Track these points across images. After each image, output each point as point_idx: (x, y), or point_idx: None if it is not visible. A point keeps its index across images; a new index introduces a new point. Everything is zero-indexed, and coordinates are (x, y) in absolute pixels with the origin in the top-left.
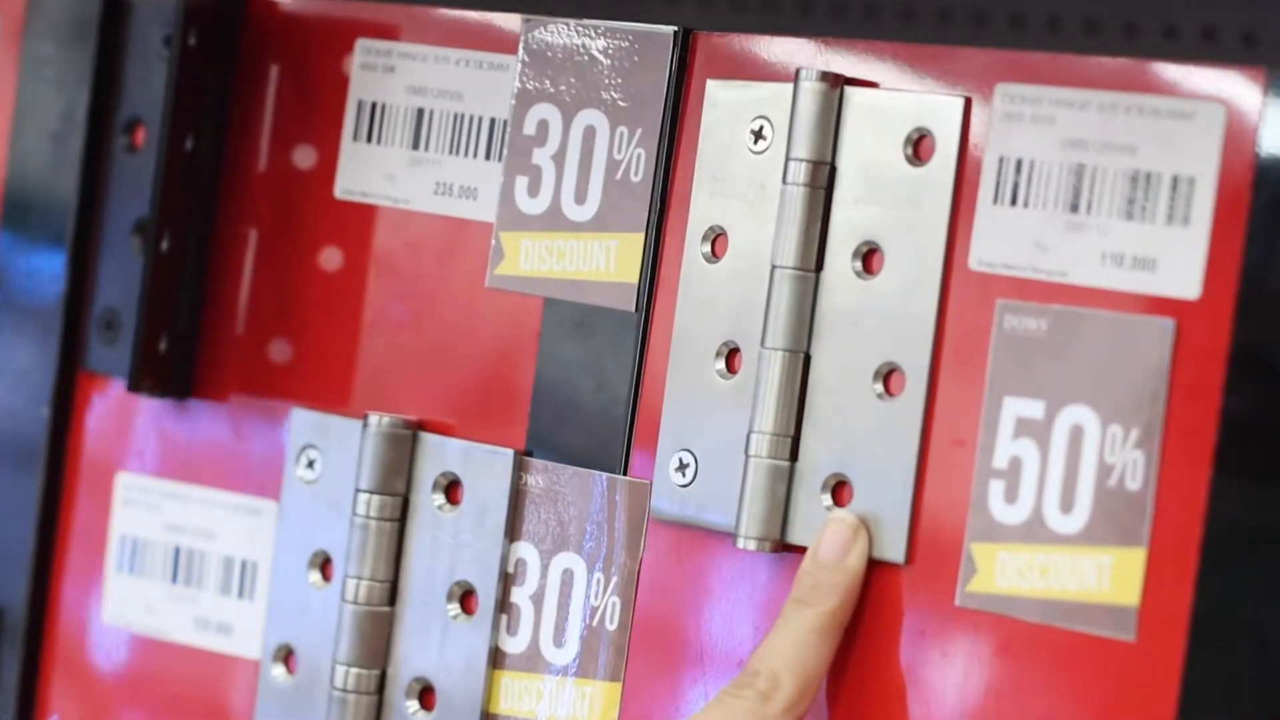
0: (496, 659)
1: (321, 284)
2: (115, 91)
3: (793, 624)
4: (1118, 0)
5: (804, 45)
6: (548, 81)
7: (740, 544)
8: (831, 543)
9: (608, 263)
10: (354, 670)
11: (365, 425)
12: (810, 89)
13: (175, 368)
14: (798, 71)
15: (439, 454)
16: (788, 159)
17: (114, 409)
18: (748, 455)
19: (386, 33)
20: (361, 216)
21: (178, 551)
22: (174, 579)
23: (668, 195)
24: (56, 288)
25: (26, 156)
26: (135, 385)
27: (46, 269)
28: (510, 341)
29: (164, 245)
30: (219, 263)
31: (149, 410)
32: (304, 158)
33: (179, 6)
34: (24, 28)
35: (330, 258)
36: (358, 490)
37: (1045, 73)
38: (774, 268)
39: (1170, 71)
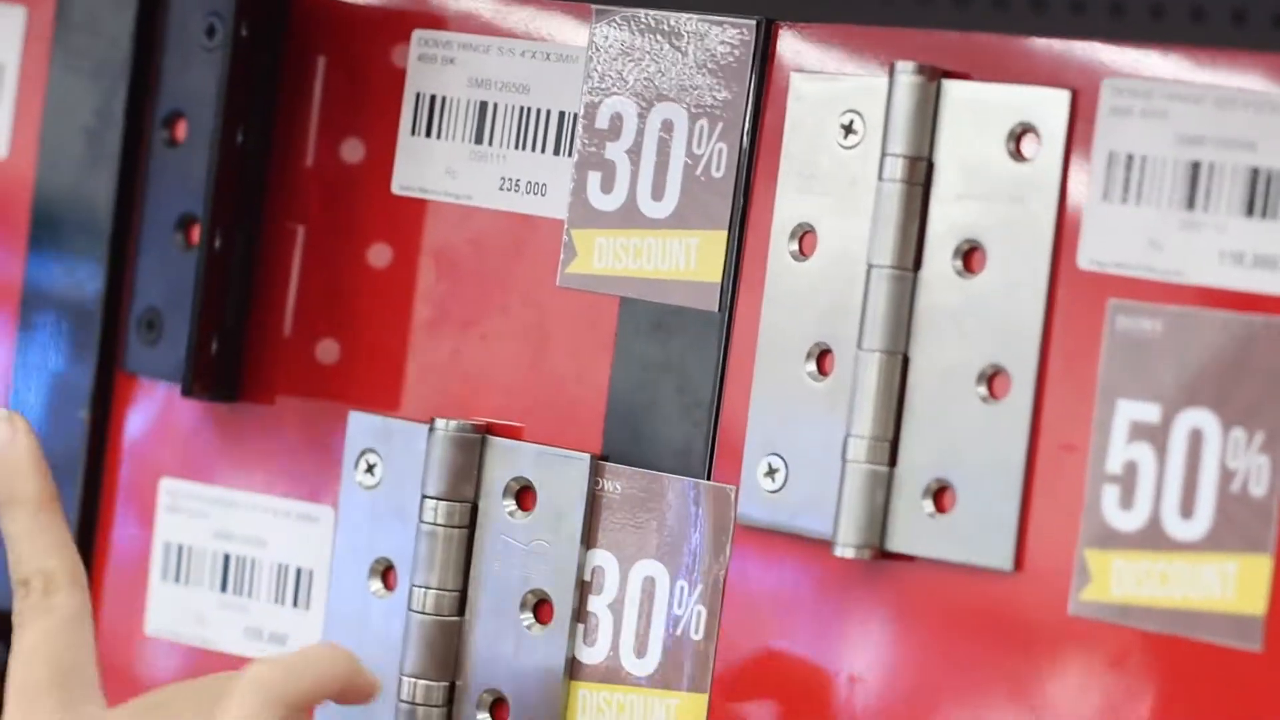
0: (573, 669)
1: (376, 282)
2: (153, 83)
3: (21, 523)
4: None
5: (893, 36)
6: (622, 74)
7: (838, 551)
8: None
9: (687, 261)
10: (421, 682)
11: (432, 429)
12: (907, 82)
13: (224, 369)
14: (893, 64)
15: (510, 459)
16: (884, 154)
17: (155, 412)
18: (845, 460)
19: (445, 23)
20: (419, 212)
21: (227, 559)
22: (223, 588)
23: (750, 192)
24: (94, 287)
25: (60, 152)
26: (189, 389)
27: (83, 268)
28: (583, 342)
29: (216, 243)
30: (266, 261)
31: (193, 413)
32: (355, 152)
33: None
34: (55, 18)
35: (385, 255)
36: (424, 496)
37: (1154, 65)
38: (870, 267)
39: None
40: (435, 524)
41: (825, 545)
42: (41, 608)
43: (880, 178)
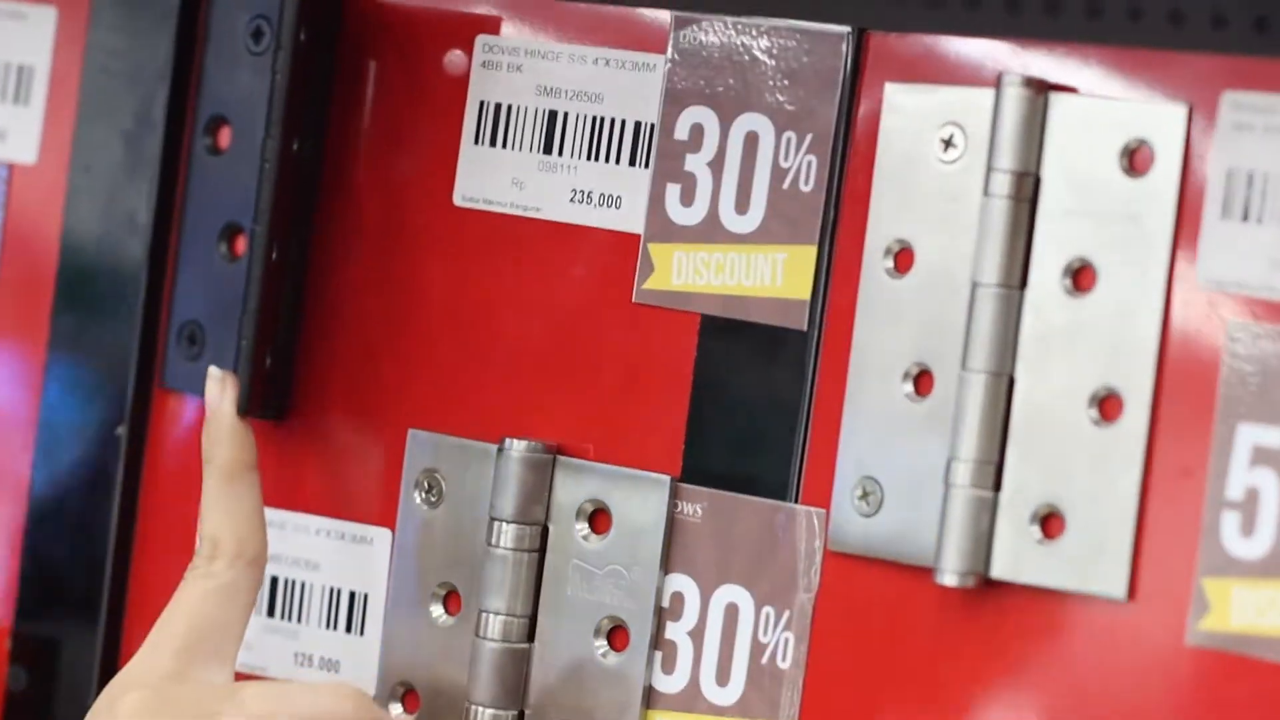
0: (650, 698)
1: (436, 296)
2: (192, 88)
3: (208, 489)
4: None
5: (991, 47)
6: (703, 83)
7: (942, 579)
8: (208, 397)
9: (773, 277)
10: (489, 711)
11: (501, 450)
12: (1015, 95)
13: (275, 386)
14: (1000, 76)
15: (583, 480)
16: (990, 169)
17: (196, 429)
18: (948, 484)
19: (509, 29)
20: (483, 224)
21: (274, 582)
22: (270, 612)
23: (840, 205)
24: (132, 299)
25: (94, 158)
26: (244, 408)
27: (119, 279)
28: (660, 360)
29: (273, 255)
30: (318, 274)
31: None
32: (414, 162)
33: (294, 1)
34: (89, 19)
35: (446, 268)
36: (493, 519)
37: (1274, 79)
38: (975, 285)
39: None
40: (505, 547)
41: (922, 571)
42: (200, 571)
43: (986, 193)
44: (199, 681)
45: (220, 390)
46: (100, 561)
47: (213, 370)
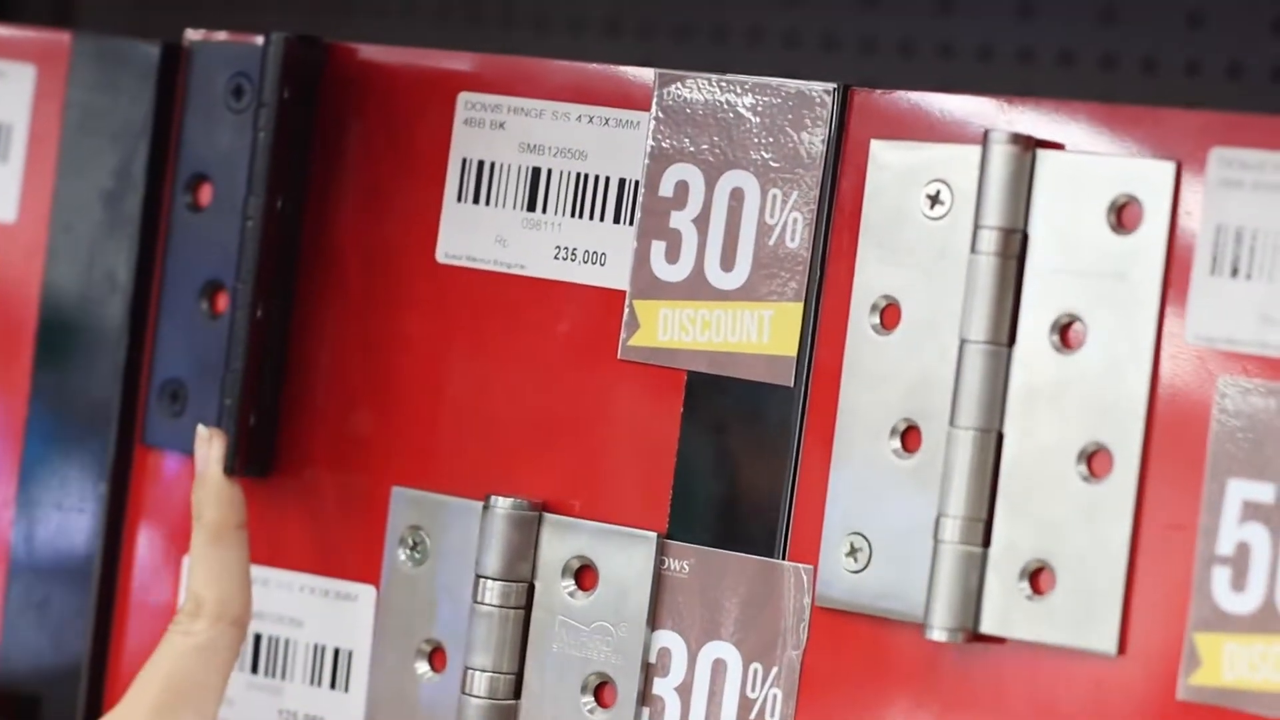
0: None
1: (419, 353)
2: (174, 145)
3: (195, 547)
4: None
5: (975, 104)
6: (687, 140)
7: (932, 635)
8: (197, 457)
9: (760, 333)
10: None
11: (486, 507)
12: (1001, 151)
13: (259, 443)
14: (986, 133)
15: (569, 537)
16: (977, 226)
17: (177, 486)
18: (937, 540)
19: (492, 86)
20: (467, 281)
21: (258, 639)
22: (254, 669)
23: (826, 263)
24: (113, 357)
25: (75, 215)
26: (231, 467)
27: (99, 336)
28: (646, 416)
29: (257, 313)
30: (301, 330)
31: None
32: (396, 219)
33: (276, 58)
34: (69, 75)
35: (429, 325)
36: (478, 576)
37: (1261, 135)
38: (963, 342)
39: None
40: (490, 604)
41: (910, 627)
42: (182, 628)
43: (973, 250)
44: None
45: (208, 449)
46: (81, 617)
47: (200, 430)
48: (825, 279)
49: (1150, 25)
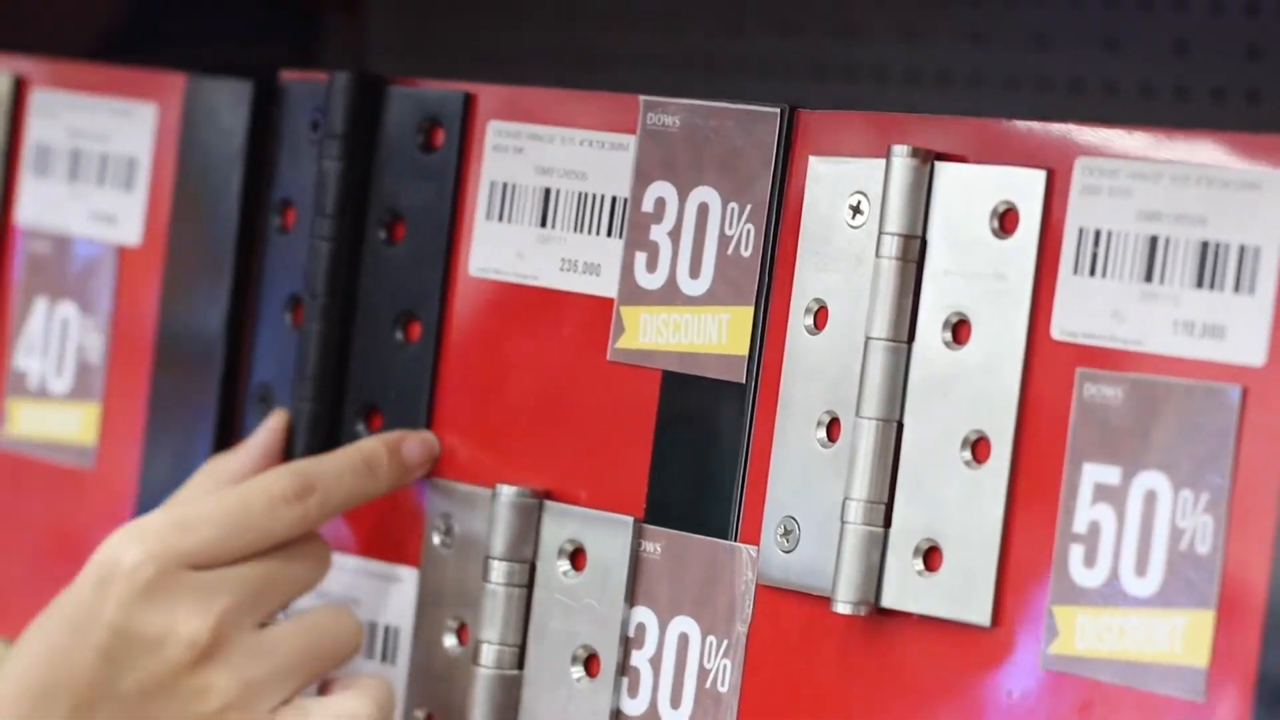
0: None
1: (453, 357)
2: (267, 174)
3: (349, 450)
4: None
5: (901, 121)
6: (665, 159)
7: (837, 608)
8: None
9: (719, 335)
10: None
11: (495, 495)
12: (901, 164)
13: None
14: (889, 147)
15: (564, 522)
16: (881, 233)
17: None
18: (843, 521)
19: (515, 114)
20: (492, 292)
21: None
22: None
23: (774, 269)
24: (214, 363)
25: (185, 237)
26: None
27: (205, 345)
28: (630, 413)
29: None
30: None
31: None
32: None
33: (341, 95)
34: (183, 114)
35: (462, 333)
36: (488, 557)
37: (1122, 145)
38: (868, 339)
39: (1239, 142)
40: (498, 583)
41: (829, 602)
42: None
43: (877, 255)
44: None
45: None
46: None
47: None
48: (773, 284)
49: (1143, 49)
